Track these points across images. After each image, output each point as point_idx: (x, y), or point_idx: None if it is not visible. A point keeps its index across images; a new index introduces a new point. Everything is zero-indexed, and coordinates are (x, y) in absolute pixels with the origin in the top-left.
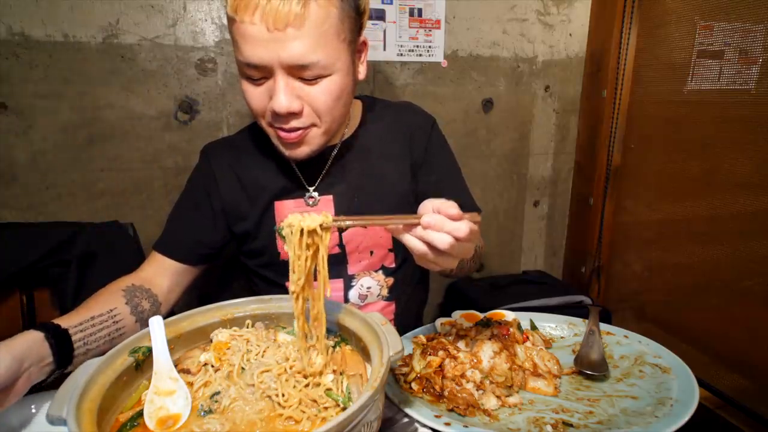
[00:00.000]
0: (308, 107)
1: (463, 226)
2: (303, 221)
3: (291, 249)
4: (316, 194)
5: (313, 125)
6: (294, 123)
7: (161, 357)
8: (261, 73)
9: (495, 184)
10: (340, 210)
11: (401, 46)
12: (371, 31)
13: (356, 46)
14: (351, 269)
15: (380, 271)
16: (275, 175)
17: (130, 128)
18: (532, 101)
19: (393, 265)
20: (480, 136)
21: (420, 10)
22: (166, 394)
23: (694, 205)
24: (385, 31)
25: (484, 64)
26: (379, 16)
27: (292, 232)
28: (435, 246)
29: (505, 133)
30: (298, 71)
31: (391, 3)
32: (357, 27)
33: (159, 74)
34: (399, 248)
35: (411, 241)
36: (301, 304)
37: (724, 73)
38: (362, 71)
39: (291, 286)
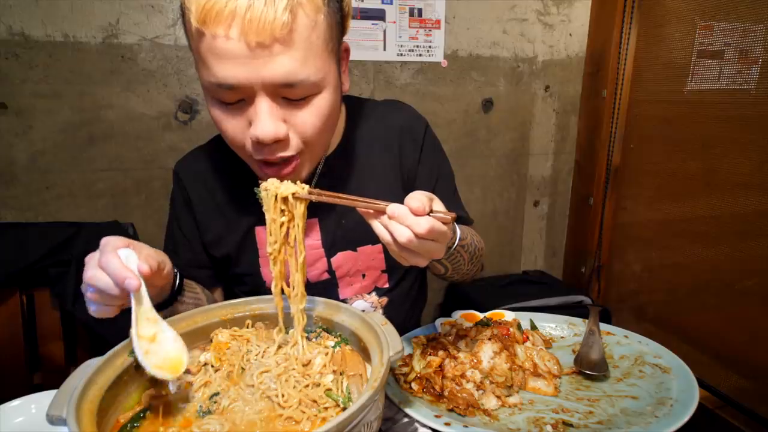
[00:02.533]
0: (294, 132)
1: (423, 222)
2: (278, 188)
3: (267, 212)
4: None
5: (299, 154)
6: (280, 153)
7: (142, 300)
8: (237, 95)
9: (495, 184)
10: (327, 235)
11: (401, 46)
12: (371, 31)
13: (339, 55)
14: (342, 293)
15: (373, 293)
16: (254, 199)
17: (130, 128)
18: (532, 101)
19: (387, 286)
20: (480, 136)
21: (420, 10)
22: (149, 340)
23: (694, 205)
24: (385, 31)
25: (484, 64)
26: (379, 16)
27: (268, 196)
28: (395, 238)
29: (505, 133)
30: (283, 91)
31: (391, 3)
32: (341, 33)
33: (159, 74)
34: (393, 269)
35: (377, 227)
36: (279, 267)
37: (724, 73)
38: (346, 82)
39: (268, 248)
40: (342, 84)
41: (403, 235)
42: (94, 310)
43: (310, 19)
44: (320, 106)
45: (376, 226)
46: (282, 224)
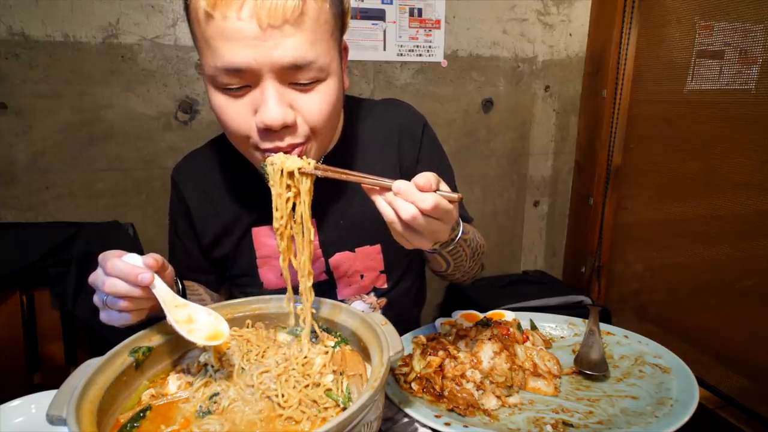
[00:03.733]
0: (301, 119)
1: (429, 198)
2: (284, 162)
3: (273, 186)
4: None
5: (307, 140)
6: (289, 139)
7: (161, 292)
8: (243, 80)
9: (495, 184)
10: (325, 236)
11: (401, 46)
12: (371, 31)
13: (341, 50)
14: (341, 294)
15: (372, 293)
16: (251, 199)
17: (130, 128)
18: (532, 101)
19: (385, 286)
20: (480, 136)
21: (420, 10)
22: (186, 322)
23: (694, 205)
24: (385, 31)
25: (484, 64)
26: (379, 16)
27: (274, 170)
28: (398, 214)
29: (505, 133)
30: (291, 74)
31: (391, 3)
32: (341, 28)
33: (159, 74)
34: (392, 270)
35: (381, 205)
36: (286, 242)
37: (724, 73)
38: (347, 80)
39: (275, 224)
40: (344, 80)
41: (408, 211)
42: (118, 319)
43: (318, 5)
44: (326, 92)
45: (380, 203)
46: (288, 199)
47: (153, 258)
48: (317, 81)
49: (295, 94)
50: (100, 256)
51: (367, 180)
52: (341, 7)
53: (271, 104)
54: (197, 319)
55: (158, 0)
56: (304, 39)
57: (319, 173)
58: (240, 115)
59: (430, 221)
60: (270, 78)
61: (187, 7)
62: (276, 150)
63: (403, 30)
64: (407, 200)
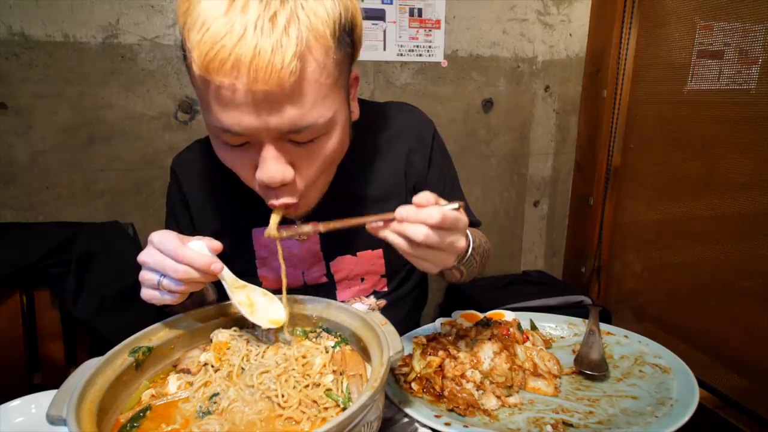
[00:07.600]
0: (299, 176)
1: (434, 213)
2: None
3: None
4: (298, 222)
5: (299, 198)
6: (285, 198)
7: (226, 276)
8: (242, 140)
9: (495, 184)
10: (326, 239)
11: (401, 46)
12: (371, 31)
13: (349, 84)
14: (340, 296)
15: (371, 296)
16: (253, 199)
17: (130, 128)
18: (532, 101)
19: (386, 289)
20: (480, 136)
21: (420, 10)
22: (248, 304)
23: (694, 205)
24: (385, 31)
25: (484, 64)
26: (379, 16)
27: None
28: (411, 239)
29: (505, 133)
30: (291, 135)
31: (391, 3)
32: (351, 63)
33: (159, 74)
34: (394, 274)
35: (390, 236)
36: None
37: (724, 73)
38: (356, 110)
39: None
40: (351, 113)
41: (419, 232)
42: (167, 298)
43: (319, 63)
44: (327, 147)
45: (390, 236)
46: None
47: (218, 243)
48: (318, 137)
49: (295, 150)
50: (158, 238)
51: (369, 220)
52: (351, 47)
53: (270, 165)
54: (255, 301)
55: (158, 0)
56: (302, 104)
57: (321, 229)
58: (242, 165)
59: (443, 234)
60: (269, 139)
61: (184, 55)
62: (269, 206)
63: (403, 30)
64: (414, 222)
